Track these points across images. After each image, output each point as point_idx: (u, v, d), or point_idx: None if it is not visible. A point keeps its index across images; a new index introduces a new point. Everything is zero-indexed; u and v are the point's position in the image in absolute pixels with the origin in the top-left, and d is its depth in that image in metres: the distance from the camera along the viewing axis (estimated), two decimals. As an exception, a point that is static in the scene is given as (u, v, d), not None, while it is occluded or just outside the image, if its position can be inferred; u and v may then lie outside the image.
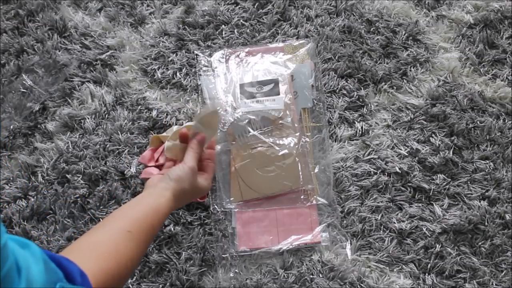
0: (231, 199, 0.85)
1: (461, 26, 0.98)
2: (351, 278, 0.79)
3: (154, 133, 0.90)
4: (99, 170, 0.88)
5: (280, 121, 0.89)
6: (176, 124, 0.91)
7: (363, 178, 0.86)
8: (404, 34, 0.96)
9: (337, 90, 0.93)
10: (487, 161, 0.87)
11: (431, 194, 0.85)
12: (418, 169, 0.86)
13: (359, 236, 0.82)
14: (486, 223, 0.82)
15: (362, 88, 0.93)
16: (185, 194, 0.70)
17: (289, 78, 0.92)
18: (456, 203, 0.84)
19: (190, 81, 0.95)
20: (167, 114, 0.92)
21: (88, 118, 0.93)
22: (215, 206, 0.85)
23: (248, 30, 0.98)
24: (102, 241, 0.56)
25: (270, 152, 0.87)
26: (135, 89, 0.95)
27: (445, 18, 0.98)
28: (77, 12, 1.03)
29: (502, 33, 0.97)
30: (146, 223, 0.62)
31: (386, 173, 0.86)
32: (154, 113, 0.93)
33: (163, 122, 0.91)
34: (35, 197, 0.88)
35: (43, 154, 0.91)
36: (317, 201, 0.85)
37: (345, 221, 0.84)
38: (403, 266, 0.80)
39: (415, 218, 0.83)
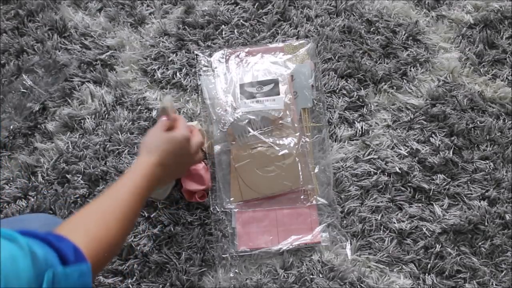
0: (231, 199, 0.85)
1: (461, 26, 0.98)
2: (351, 278, 0.79)
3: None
4: (99, 170, 0.88)
5: (280, 121, 0.89)
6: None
7: (363, 178, 0.86)
8: (404, 34, 0.96)
9: (337, 90, 0.93)
10: (487, 161, 0.87)
11: (431, 194, 0.85)
12: (418, 169, 0.86)
13: (359, 236, 0.83)
14: (486, 223, 0.82)
15: (362, 88, 0.93)
16: (168, 155, 0.70)
17: (289, 78, 0.92)
18: (456, 203, 0.84)
19: (190, 81, 0.95)
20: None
21: (88, 118, 0.93)
22: (215, 206, 0.85)
23: (248, 30, 0.98)
24: (89, 212, 0.59)
25: (270, 152, 0.87)
26: (135, 89, 0.95)
27: (445, 18, 0.98)
28: (77, 12, 1.03)
29: (502, 33, 0.97)
30: (130, 187, 0.64)
31: (386, 173, 0.86)
32: (154, 113, 0.93)
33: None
34: (35, 197, 0.88)
35: (43, 154, 0.91)
36: (317, 201, 0.85)
37: (345, 221, 0.84)
38: (403, 266, 0.80)
39: (415, 218, 0.83)
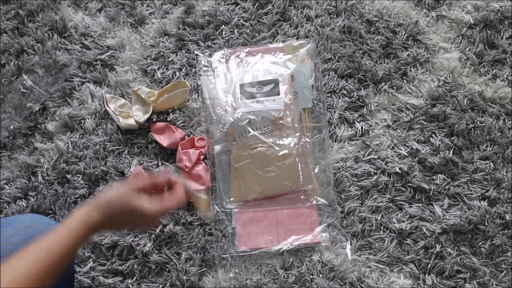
0: (231, 199, 0.85)
1: (461, 26, 0.98)
2: (351, 278, 0.79)
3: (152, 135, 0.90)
4: (99, 170, 0.88)
5: (280, 121, 0.89)
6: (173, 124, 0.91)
7: (363, 178, 0.86)
8: (404, 34, 0.96)
9: (337, 90, 0.93)
10: (487, 161, 0.87)
11: (431, 194, 0.85)
12: (418, 169, 0.86)
13: (359, 236, 0.82)
14: (486, 223, 0.82)
15: (362, 88, 0.93)
16: (117, 220, 0.61)
17: (289, 78, 0.92)
18: (456, 203, 0.84)
19: (190, 81, 0.95)
20: (167, 114, 0.92)
21: (88, 118, 0.93)
22: (215, 206, 0.85)
23: (248, 30, 0.98)
24: (4, 273, 0.53)
25: (270, 152, 0.87)
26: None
27: (445, 18, 0.98)
28: (77, 12, 1.03)
29: (502, 33, 0.97)
30: (55, 254, 0.56)
31: (386, 173, 0.86)
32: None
33: (164, 122, 0.91)
34: (35, 197, 0.88)
35: (43, 154, 0.91)
36: (317, 201, 0.85)
37: (345, 221, 0.84)
38: (403, 266, 0.80)
39: (415, 218, 0.83)
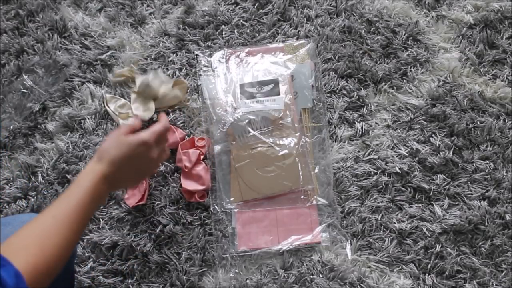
0: (231, 199, 0.85)
1: (461, 26, 0.98)
2: (351, 278, 0.79)
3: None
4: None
5: (280, 121, 0.89)
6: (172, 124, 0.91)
7: (363, 178, 0.86)
8: (404, 34, 0.96)
9: (337, 90, 0.93)
10: (487, 161, 0.87)
11: (431, 194, 0.85)
12: (418, 169, 0.86)
13: (359, 236, 0.83)
14: (486, 223, 0.82)
15: (362, 88, 0.93)
16: (120, 163, 0.66)
17: (289, 78, 0.92)
18: (456, 203, 0.84)
19: (190, 81, 0.95)
20: (167, 114, 0.92)
21: (88, 118, 0.93)
22: (215, 206, 0.85)
23: (248, 30, 0.98)
24: (30, 233, 0.56)
25: (270, 152, 0.87)
26: (135, 89, 0.95)
27: (445, 18, 0.98)
28: (77, 12, 1.03)
29: (502, 33, 0.97)
30: (73, 206, 0.60)
31: (386, 173, 0.86)
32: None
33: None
34: (35, 197, 0.88)
35: (43, 154, 0.91)
36: (317, 201, 0.85)
37: (345, 221, 0.84)
38: (403, 266, 0.80)
39: (415, 218, 0.83)
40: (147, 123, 0.91)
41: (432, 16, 0.99)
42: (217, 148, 0.88)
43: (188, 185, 0.84)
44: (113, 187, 0.67)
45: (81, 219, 0.60)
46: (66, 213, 0.59)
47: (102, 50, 0.99)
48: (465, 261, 0.80)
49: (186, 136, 0.90)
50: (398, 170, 0.86)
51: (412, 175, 0.86)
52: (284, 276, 0.80)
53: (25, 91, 0.94)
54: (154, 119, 0.91)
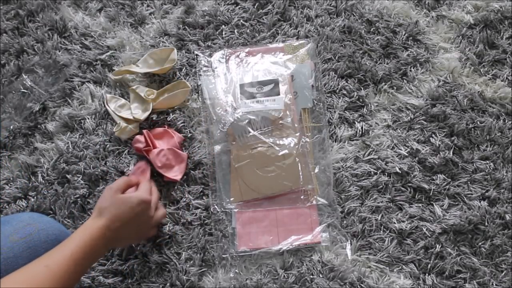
0: (231, 199, 0.85)
1: (461, 26, 0.98)
2: (351, 278, 0.79)
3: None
4: (99, 170, 0.88)
5: (280, 121, 0.89)
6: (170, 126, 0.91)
7: (363, 178, 0.86)
8: (404, 34, 0.96)
9: (337, 90, 0.93)
10: (487, 161, 0.87)
11: (431, 194, 0.85)
12: (418, 169, 0.86)
13: (359, 236, 0.83)
14: (486, 223, 0.82)
15: (362, 88, 0.93)
16: (121, 221, 0.69)
17: (289, 78, 0.92)
18: (456, 203, 0.84)
19: (190, 81, 0.95)
20: (167, 114, 0.92)
21: (88, 118, 0.93)
22: (215, 206, 0.85)
23: (248, 30, 0.98)
24: (19, 281, 0.56)
25: (270, 152, 0.87)
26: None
27: (445, 18, 0.98)
28: (77, 12, 1.03)
29: (502, 33, 0.97)
30: (67, 257, 0.60)
31: (386, 173, 0.86)
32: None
33: (163, 122, 0.91)
34: (35, 197, 0.88)
35: (43, 154, 0.91)
36: (317, 201, 0.85)
37: (345, 221, 0.84)
38: (403, 266, 0.80)
39: (415, 218, 0.83)
40: (145, 123, 0.91)
41: (432, 16, 0.99)
42: (217, 148, 0.88)
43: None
44: (111, 245, 0.69)
45: (74, 272, 0.60)
46: (59, 264, 0.59)
47: (102, 50, 0.99)
48: (465, 261, 0.80)
49: (184, 141, 0.90)
50: (398, 170, 0.86)
51: (412, 175, 0.86)
52: (284, 276, 0.80)
53: (25, 91, 0.94)
54: (153, 119, 0.91)
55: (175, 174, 0.86)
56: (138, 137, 0.87)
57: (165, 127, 0.90)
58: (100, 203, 0.70)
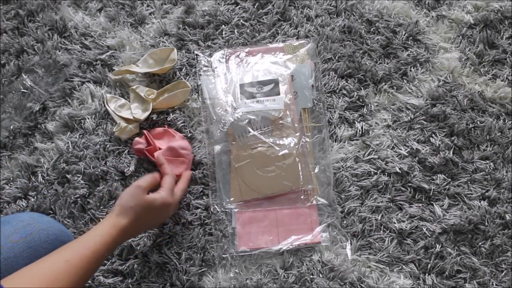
0: (231, 199, 0.85)
1: (461, 26, 0.98)
2: (351, 278, 0.79)
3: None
4: (99, 170, 0.88)
5: (280, 121, 0.89)
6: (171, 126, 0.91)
7: (363, 178, 0.86)
8: (404, 34, 0.96)
9: (337, 90, 0.93)
10: (487, 161, 0.87)
11: (431, 194, 0.85)
12: (418, 169, 0.86)
13: (359, 236, 0.83)
14: (486, 223, 0.82)
15: (362, 88, 0.93)
16: (143, 220, 0.71)
17: (289, 78, 0.92)
18: (456, 203, 0.84)
19: (190, 81, 0.95)
20: (167, 114, 0.92)
21: (88, 118, 0.93)
22: (215, 206, 0.85)
23: (248, 30, 0.98)
24: (38, 273, 0.57)
25: (270, 152, 0.87)
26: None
27: (445, 18, 0.98)
28: (77, 12, 1.03)
29: (502, 33, 0.97)
30: (88, 254, 0.62)
31: (386, 173, 0.86)
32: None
33: (163, 122, 0.91)
34: (35, 197, 0.88)
35: (43, 154, 0.91)
36: (317, 201, 0.85)
37: (345, 221, 0.84)
38: (403, 266, 0.80)
39: (415, 218, 0.83)
40: (145, 123, 0.91)
41: (432, 16, 0.99)
42: (217, 148, 0.88)
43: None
44: (131, 236, 0.73)
45: (93, 267, 0.62)
46: (80, 260, 0.60)
47: (102, 50, 0.99)
48: (465, 261, 0.80)
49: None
50: (398, 170, 0.86)
51: (412, 175, 0.86)
52: (284, 276, 0.80)
53: (25, 91, 0.94)
54: (153, 119, 0.91)
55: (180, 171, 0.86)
56: (137, 139, 0.87)
57: (165, 127, 0.90)
58: (126, 202, 0.70)
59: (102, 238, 0.64)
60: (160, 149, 0.86)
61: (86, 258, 0.61)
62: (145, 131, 0.87)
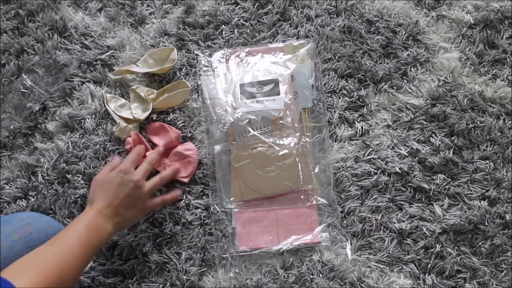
0: (231, 199, 0.85)
1: (461, 26, 0.98)
2: (351, 278, 0.79)
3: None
4: (99, 170, 0.88)
5: (280, 121, 0.89)
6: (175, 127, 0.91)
7: (363, 178, 0.86)
8: (404, 34, 0.96)
9: (337, 90, 0.93)
10: (487, 161, 0.87)
11: (431, 194, 0.85)
12: (418, 169, 0.86)
13: (359, 236, 0.83)
14: (486, 223, 0.82)
15: (362, 88, 0.93)
16: (107, 195, 0.72)
17: (289, 78, 0.92)
18: (456, 203, 0.84)
19: (190, 81, 0.95)
20: (167, 114, 0.92)
21: (88, 118, 0.93)
22: (215, 206, 0.85)
23: (248, 30, 0.98)
24: (27, 259, 0.58)
25: (270, 152, 0.87)
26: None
27: (445, 18, 0.98)
28: (77, 12, 1.03)
29: (502, 33, 0.97)
30: (69, 234, 0.64)
31: (386, 173, 0.86)
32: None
33: (163, 122, 0.91)
34: (35, 197, 0.88)
35: (43, 154, 0.91)
36: (317, 201, 0.85)
37: (345, 221, 0.84)
38: (403, 266, 0.80)
39: (415, 218, 0.83)
40: (145, 122, 0.91)
41: (432, 16, 0.99)
42: (217, 148, 0.88)
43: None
44: (112, 219, 0.71)
45: (81, 247, 0.63)
46: (64, 240, 0.63)
47: (102, 50, 0.99)
48: (465, 261, 0.80)
49: (181, 135, 0.90)
50: (398, 170, 0.86)
51: (412, 175, 0.86)
52: (284, 276, 0.80)
53: (25, 91, 0.94)
54: (153, 119, 0.91)
55: (183, 175, 0.86)
56: (128, 139, 0.89)
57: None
58: (88, 198, 0.74)
59: (79, 222, 0.67)
60: (151, 148, 0.87)
61: (70, 239, 0.63)
62: (132, 132, 0.88)
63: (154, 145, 0.89)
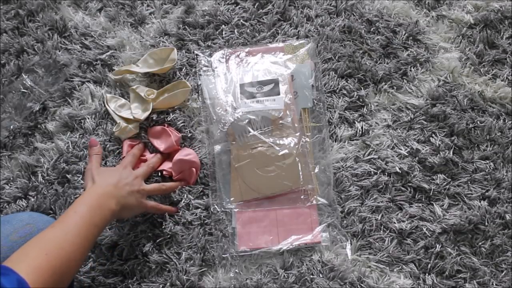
0: (231, 199, 0.85)
1: (461, 26, 0.98)
2: (351, 278, 0.79)
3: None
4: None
5: (280, 121, 0.89)
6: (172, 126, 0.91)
7: (363, 178, 0.86)
8: (404, 34, 0.96)
9: (337, 90, 0.93)
10: (487, 161, 0.87)
11: (431, 194, 0.85)
12: (418, 169, 0.86)
13: (359, 236, 0.83)
14: (486, 223, 0.82)
15: (362, 88, 0.93)
16: (101, 180, 0.73)
17: (289, 78, 0.92)
18: (456, 203, 0.84)
19: (190, 81, 0.95)
20: (167, 114, 0.92)
21: (88, 118, 0.93)
22: (215, 206, 0.85)
23: (248, 30, 0.98)
24: (28, 245, 0.58)
25: (270, 152, 0.87)
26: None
27: (445, 18, 0.98)
28: (77, 12, 1.03)
29: (502, 33, 0.97)
30: (69, 215, 0.64)
31: (386, 173, 0.86)
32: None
33: (163, 122, 0.91)
34: (35, 197, 0.88)
35: (43, 154, 0.91)
36: (317, 201, 0.85)
37: (345, 221, 0.84)
38: (403, 266, 0.80)
39: (415, 218, 0.83)
40: (145, 123, 0.91)
41: (432, 16, 0.99)
42: (217, 148, 0.88)
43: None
44: (116, 197, 0.71)
45: (83, 227, 0.63)
46: (65, 222, 0.62)
47: (102, 50, 0.99)
48: (465, 261, 0.80)
49: (181, 139, 0.90)
50: (398, 170, 0.86)
51: (412, 175, 0.86)
52: (284, 276, 0.80)
53: (25, 91, 0.94)
54: (153, 119, 0.91)
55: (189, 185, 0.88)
56: (123, 143, 0.89)
57: (164, 125, 0.90)
58: (85, 184, 0.75)
59: (77, 202, 0.67)
60: (146, 159, 0.88)
61: (70, 219, 0.64)
62: (125, 141, 0.89)
63: (154, 150, 0.89)
